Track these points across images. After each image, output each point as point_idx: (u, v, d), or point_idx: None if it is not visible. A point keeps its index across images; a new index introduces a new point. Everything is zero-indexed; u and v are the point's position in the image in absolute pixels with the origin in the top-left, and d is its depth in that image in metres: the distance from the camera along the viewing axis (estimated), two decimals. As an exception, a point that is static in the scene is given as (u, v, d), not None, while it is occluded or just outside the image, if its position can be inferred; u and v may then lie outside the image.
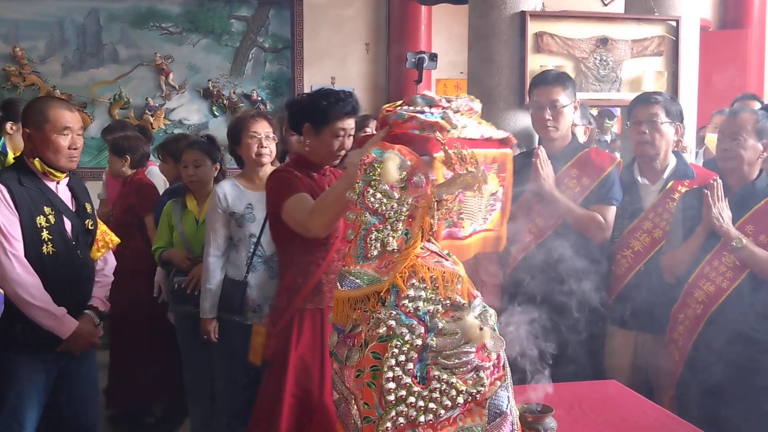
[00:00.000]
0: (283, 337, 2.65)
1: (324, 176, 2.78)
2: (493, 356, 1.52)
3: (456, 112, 1.86)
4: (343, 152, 2.72)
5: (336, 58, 7.56)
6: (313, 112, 2.70)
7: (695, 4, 4.47)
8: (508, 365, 1.56)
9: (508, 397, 1.54)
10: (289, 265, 2.71)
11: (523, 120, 3.93)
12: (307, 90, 7.45)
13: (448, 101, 1.88)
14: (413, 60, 4.84)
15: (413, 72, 4.96)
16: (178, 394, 4.09)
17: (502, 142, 1.96)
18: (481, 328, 1.48)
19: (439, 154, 1.63)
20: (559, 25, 4.14)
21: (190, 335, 3.59)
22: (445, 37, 7.09)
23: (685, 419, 2.83)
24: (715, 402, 2.72)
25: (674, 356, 2.96)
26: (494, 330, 1.52)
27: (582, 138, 3.59)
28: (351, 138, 2.74)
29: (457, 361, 1.47)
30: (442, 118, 1.75)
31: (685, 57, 4.25)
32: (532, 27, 4.03)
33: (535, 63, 4.05)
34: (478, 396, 1.49)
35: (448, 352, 1.47)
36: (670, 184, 2.98)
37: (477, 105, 1.96)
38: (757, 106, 3.65)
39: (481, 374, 1.49)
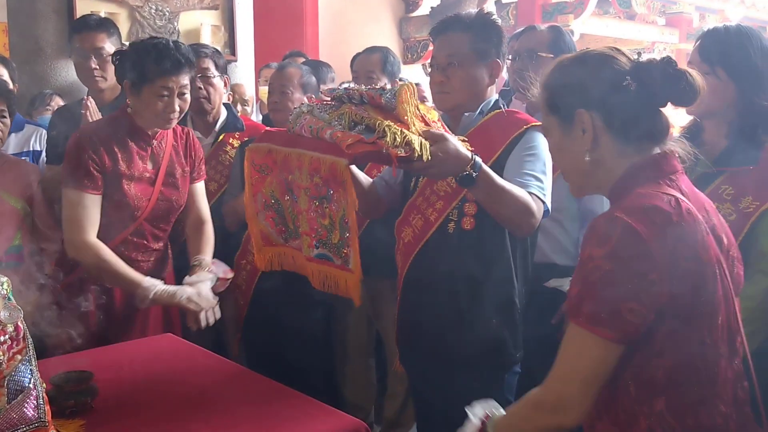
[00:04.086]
0: None
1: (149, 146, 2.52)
2: (10, 329, 1.36)
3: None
4: (174, 115, 2.45)
5: None
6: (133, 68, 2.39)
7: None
8: (29, 336, 1.42)
9: (31, 370, 1.40)
10: None
11: (74, 71, 3.65)
12: None
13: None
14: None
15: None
16: None
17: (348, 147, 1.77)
18: (-10, 300, 1.32)
19: None
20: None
21: None
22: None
23: (251, 361, 3.00)
24: (274, 340, 2.93)
25: (239, 301, 3.08)
26: (9, 299, 1.37)
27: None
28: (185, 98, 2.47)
29: (-39, 340, 1.29)
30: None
31: (241, 12, 4.38)
32: (77, -32, 3.74)
33: (85, 8, 3.78)
34: (-7, 375, 1.33)
35: (-52, 332, 1.28)
36: (222, 137, 3.05)
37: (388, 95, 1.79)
38: (302, 61, 3.94)
39: (-5, 351, 1.33)
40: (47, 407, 1.43)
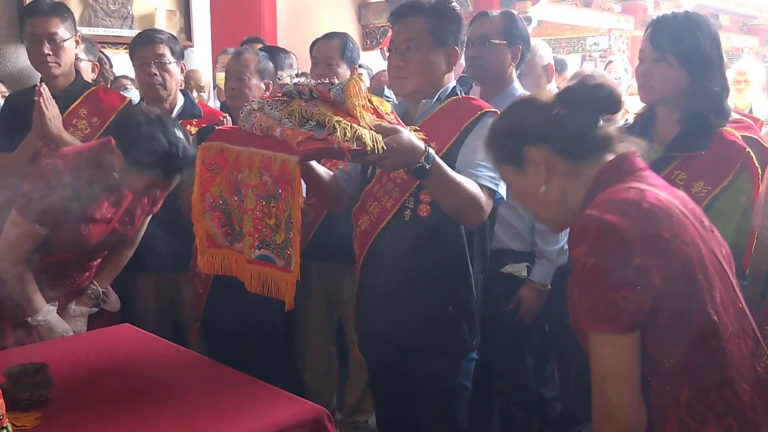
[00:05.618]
0: None
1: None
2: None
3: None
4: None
5: None
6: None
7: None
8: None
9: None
10: None
11: (26, 56, 3.56)
12: None
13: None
14: None
15: None
16: None
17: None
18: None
19: None
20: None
21: None
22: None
23: (211, 349, 2.98)
24: (234, 328, 2.91)
25: (198, 289, 3.05)
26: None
27: (90, 76, 3.41)
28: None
29: None
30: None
31: (196, -2, 4.31)
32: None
33: (33, -7, 3.67)
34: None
35: None
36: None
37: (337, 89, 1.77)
38: (260, 47, 3.90)
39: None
40: (1, 400, 1.41)
